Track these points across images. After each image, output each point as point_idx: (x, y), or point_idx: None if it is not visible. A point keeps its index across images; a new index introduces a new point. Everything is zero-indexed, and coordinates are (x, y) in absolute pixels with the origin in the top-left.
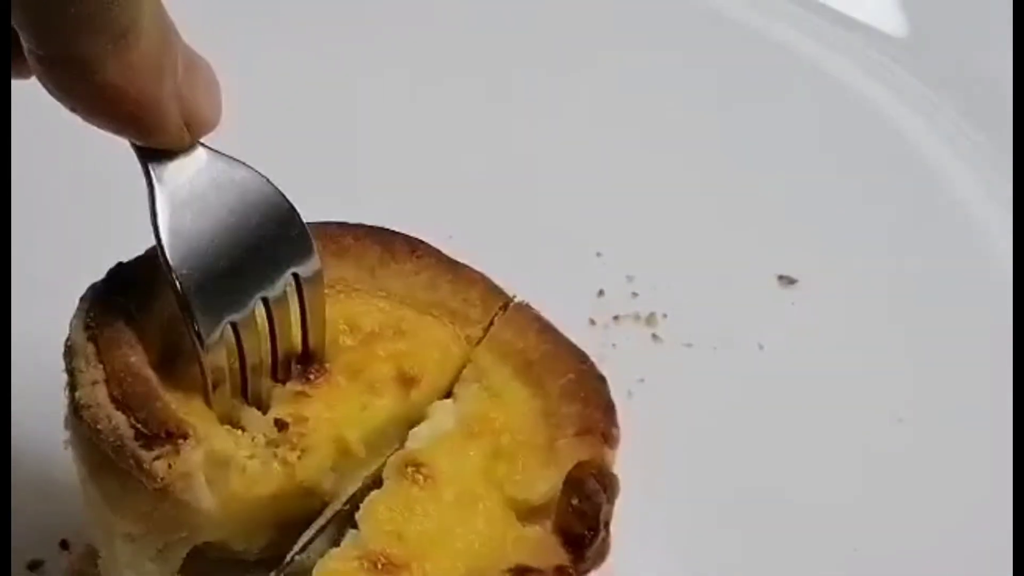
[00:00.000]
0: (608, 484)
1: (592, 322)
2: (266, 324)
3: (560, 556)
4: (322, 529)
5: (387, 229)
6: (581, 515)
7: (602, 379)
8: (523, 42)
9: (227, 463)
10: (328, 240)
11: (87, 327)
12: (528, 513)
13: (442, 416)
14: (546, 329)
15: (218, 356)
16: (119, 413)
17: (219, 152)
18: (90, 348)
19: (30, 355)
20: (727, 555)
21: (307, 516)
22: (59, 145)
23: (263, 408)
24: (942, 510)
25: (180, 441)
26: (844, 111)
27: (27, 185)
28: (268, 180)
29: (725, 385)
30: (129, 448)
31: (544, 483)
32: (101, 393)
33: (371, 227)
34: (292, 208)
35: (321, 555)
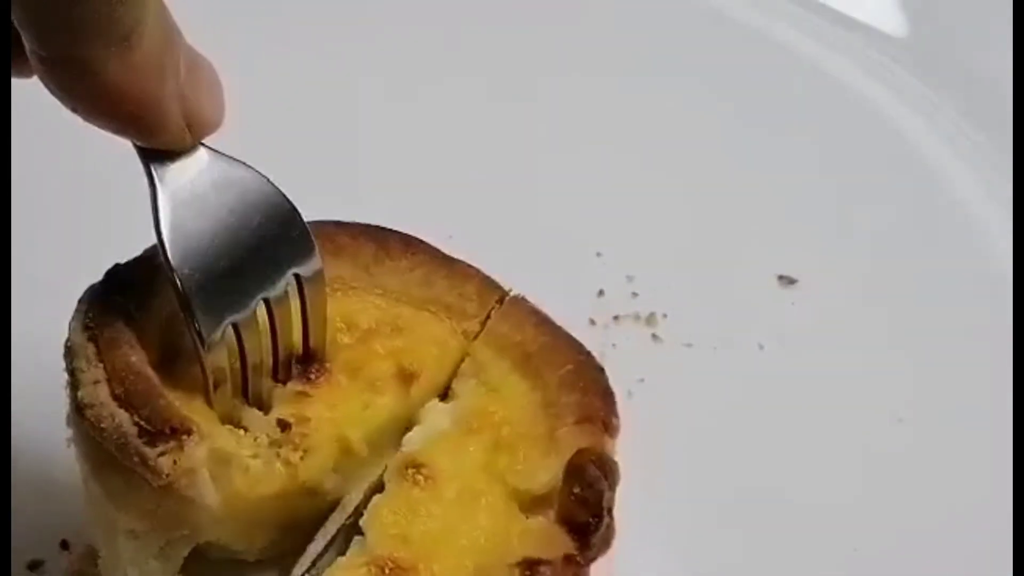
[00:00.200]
0: (609, 471)
1: (592, 322)
2: (267, 324)
3: (566, 545)
4: (331, 541)
5: (382, 227)
6: (584, 503)
7: (601, 369)
8: (523, 42)
9: (230, 460)
10: (324, 239)
11: (86, 327)
12: (531, 504)
13: (435, 417)
14: (543, 321)
15: (219, 356)
16: (122, 411)
17: (221, 152)
18: (90, 348)
19: (30, 355)
20: (727, 555)
21: (309, 516)
22: (59, 145)
23: (264, 408)
24: (942, 510)
25: (184, 437)
26: (844, 111)
27: (27, 185)
28: (269, 180)
29: (725, 385)
30: (133, 445)
31: (545, 472)
32: (103, 392)
33: (366, 225)
34: (293, 208)
35: (329, 564)
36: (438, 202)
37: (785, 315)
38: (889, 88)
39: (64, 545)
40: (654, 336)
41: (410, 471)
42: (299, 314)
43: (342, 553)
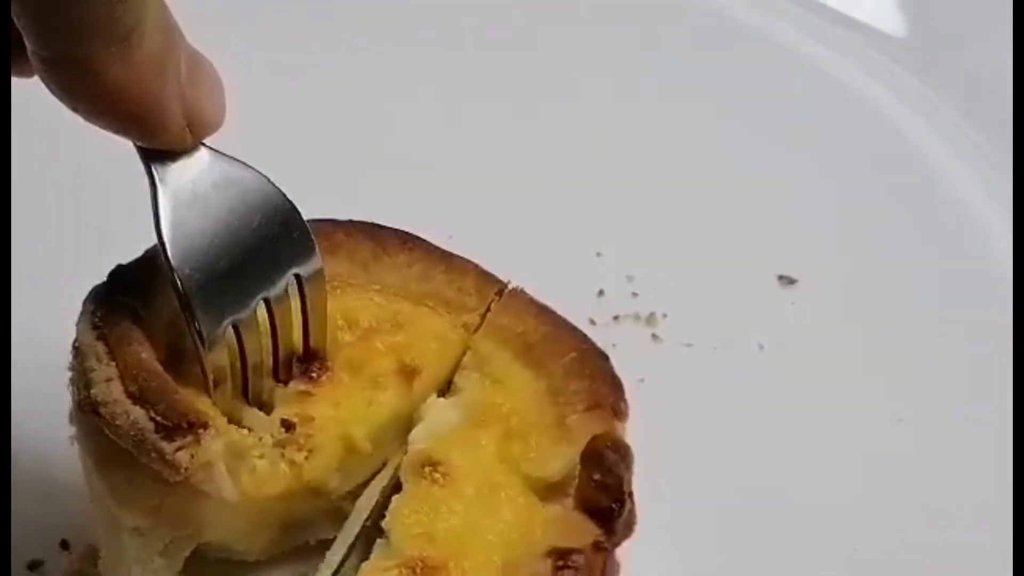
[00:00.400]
0: (625, 454)
1: (592, 322)
2: (267, 324)
3: (591, 532)
4: (351, 549)
5: (377, 224)
6: (605, 488)
7: (605, 356)
8: (523, 42)
9: (244, 454)
10: (320, 237)
11: (95, 327)
12: (547, 492)
13: (439, 412)
14: (543, 311)
15: (219, 356)
16: (137, 408)
17: (221, 153)
18: (100, 347)
19: (30, 355)
20: (727, 555)
21: (310, 515)
22: (59, 145)
23: (264, 408)
24: (942, 510)
25: (200, 431)
26: (844, 111)
27: (27, 185)
28: (270, 180)
29: (725, 385)
30: (150, 441)
31: (558, 460)
32: (117, 389)
33: (361, 222)
34: (294, 208)
35: (355, 569)
36: (438, 202)
37: (785, 315)
38: (889, 88)
39: (64, 545)
40: (654, 336)
41: (427, 469)
42: (299, 314)
43: (363, 557)
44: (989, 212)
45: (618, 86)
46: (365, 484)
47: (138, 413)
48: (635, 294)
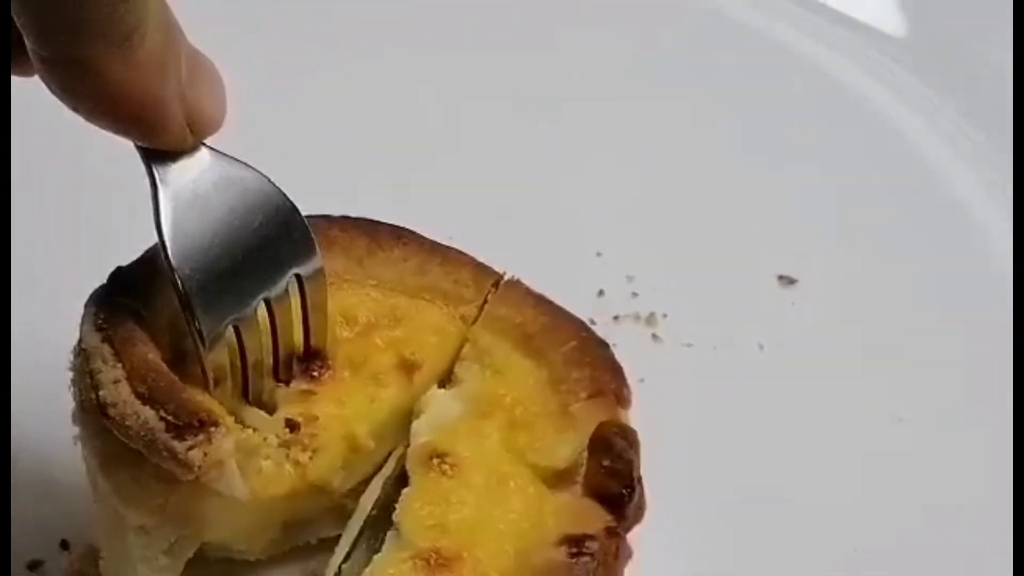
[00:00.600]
0: (632, 439)
1: (592, 322)
2: (268, 324)
3: (602, 518)
4: (354, 545)
5: (371, 219)
6: (614, 474)
7: (605, 344)
8: (523, 42)
9: (255, 452)
10: (315, 233)
11: (99, 328)
12: (555, 480)
13: (441, 404)
14: (541, 301)
15: (219, 356)
16: (146, 408)
17: (222, 153)
18: (106, 348)
19: (30, 355)
20: (727, 555)
21: (312, 515)
22: (59, 145)
23: (265, 409)
24: (942, 510)
25: (212, 429)
26: (844, 111)
27: (27, 185)
28: (270, 180)
29: (725, 385)
30: (161, 440)
31: (564, 447)
32: (125, 390)
33: (355, 218)
34: (294, 208)
35: (365, 563)
36: (438, 202)
37: (785, 315)
38: (889, 88)
39: (64, 545)
40: (654, 336)
41: (434, 461)
42: (300, 313)
43: (374, 551)
44: (989, 212)
45: (618, 86)
46: (367, 480)
47: (148, 413)
48: (635, 294)
